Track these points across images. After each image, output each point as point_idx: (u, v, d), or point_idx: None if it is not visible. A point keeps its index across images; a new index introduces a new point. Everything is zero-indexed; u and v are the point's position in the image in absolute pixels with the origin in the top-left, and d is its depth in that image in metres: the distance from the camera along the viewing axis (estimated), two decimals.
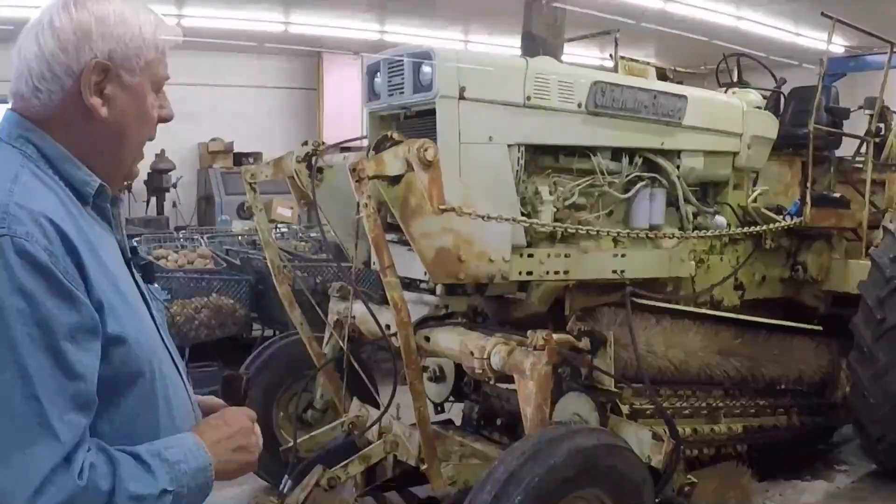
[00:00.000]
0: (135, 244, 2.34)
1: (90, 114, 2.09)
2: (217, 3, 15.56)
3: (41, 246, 1.86)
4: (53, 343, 1.84)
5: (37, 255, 1.85)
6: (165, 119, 2.28)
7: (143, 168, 17.22)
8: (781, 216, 6.92)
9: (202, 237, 11.41)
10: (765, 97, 7.45)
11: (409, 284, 5.36)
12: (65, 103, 2.09)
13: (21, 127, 2.11)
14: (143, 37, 2.14)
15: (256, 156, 17.30)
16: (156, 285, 2.45)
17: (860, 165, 8.08)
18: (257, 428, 2.32)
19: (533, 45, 9.92)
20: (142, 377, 2.05)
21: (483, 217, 4.69)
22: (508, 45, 17.03)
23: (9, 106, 2.16)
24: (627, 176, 6.02)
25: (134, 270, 2.26)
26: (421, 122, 5.35)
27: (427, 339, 5.18)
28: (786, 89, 8.05)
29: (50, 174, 2.07)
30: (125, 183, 2.41)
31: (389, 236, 4.95)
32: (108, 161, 2.17)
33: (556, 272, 5.58)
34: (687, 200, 6.37)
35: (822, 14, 7.19)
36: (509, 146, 5.38)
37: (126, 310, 2.04)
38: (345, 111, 19.96)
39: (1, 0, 13.68)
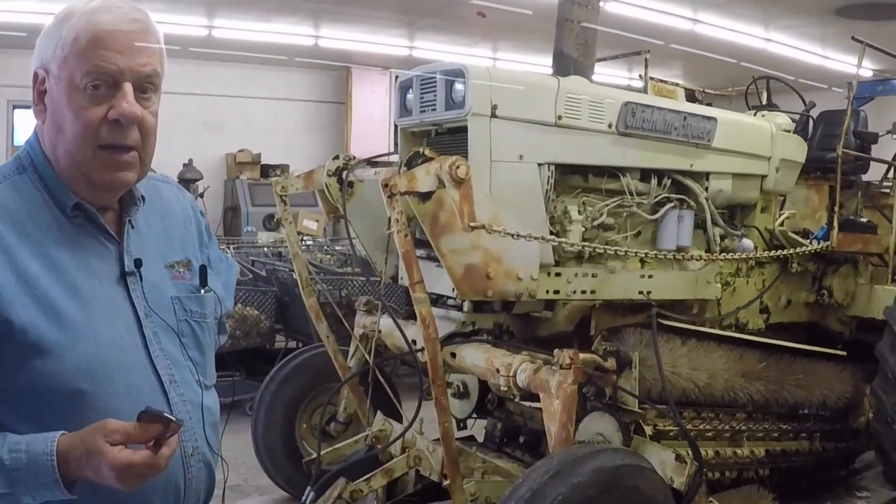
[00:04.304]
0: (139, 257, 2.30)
1: (39, 119, 2.21)
2: (247, 15, 15.60)
3: None
4: None
5: None
6: (115, 118, 2.13)
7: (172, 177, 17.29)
8: (808, 240, 6.93)
9: (228, 247, 11.48)
10: (794, 120, 7.45)
11: (437, 300, 5.38)
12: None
13: (30, 138, 2.25)
14: (59, 34, 2.13)
15: (283, 168, 17.33)
16: (211, 292, 2.44)
17: (888, 190, 8.08)
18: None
19: (564, 65, 9.92)
20: (71, 395, 2.08)
21: (513, 235, 4.70)
22: (536, 62, 17.06)
23: None
24: (656, 197, 6.02)
25: (132, 283, 2.26)
26: (452, 139, 5.38)
27: (453, 355, 5.19)
28: (815, 113, 8.05)
29: (40, 187, 2.18)
30: (114, 197, 2.30)
31: (418, 252, 4.96)
32: (62, 163, 2.19)
33: (583, 292, 5.59)
34: (714, 223, 6.37)
35: (853, 38, 7.18)
36: (539, 165, 5.40)
37: (63, 324, 2.08)
38: (372, 126, 20.01)
39: (16, 7, 13.81)
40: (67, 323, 2.09)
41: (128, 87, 2.14)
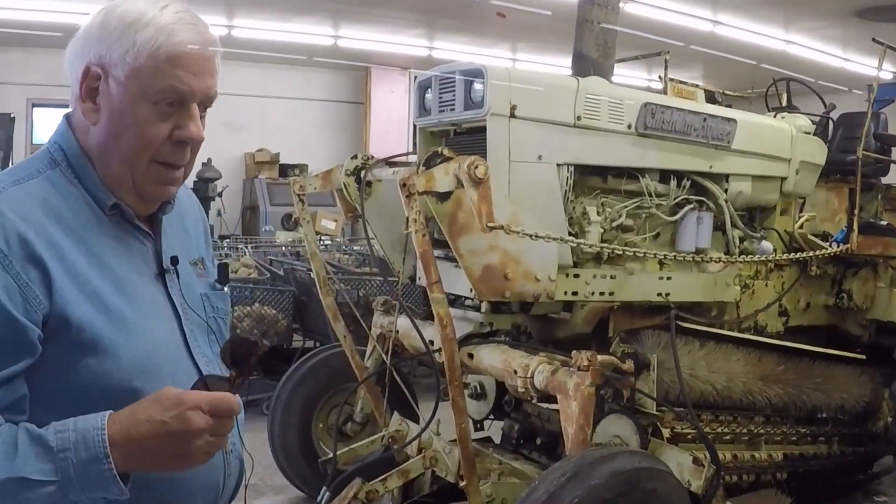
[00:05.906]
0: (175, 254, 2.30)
1: (89, 118, 2.13)
2: (267, 15, 15.64)
3: None
4: None
5: None
6: (182, 140, 2.13)
7: (190, 177, 17.32)
8: (827, 243, 6.89)
9: (246, 246, 11.50)
10: (814, 122, 7.41)
11: (454, 301, 5.36)
12: (77, 107, 2.15)
13: (60, 132, 2.19)
14: (132, 40, 2.06)
15: (302, 167, 17.40)
16: (225, 290, 2.45)
17: None
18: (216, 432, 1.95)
19: (583, 65, 9.91)
20: (125, 394, 2.02)
21: (531, 236, 4.68)
22: (555, 63, 17.04)
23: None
24: (675, 198, 5.99)
25: (169, 281, 2.26)
26: (470, 139, 5.37)
27: (470, 355, 5.17)
28: (835, 115, 8.01)
29: (75, 182, 2.13)
30: (153, 204, 2.28)
31: (436, 252, 4.95)
32: (112, 169, 2.15)
33: (602, 293, 5.56)
34: (734, 225, 6.33)
35: (874, 40, 7.14)
36: (558, 165, 5.37)
37: (116, 322, 2.05)
38: (391, 126, 20.03)
39: (35, 6, 13.86)
40: (120, 320, 2.06)
41: (195, 109, 2.14)
